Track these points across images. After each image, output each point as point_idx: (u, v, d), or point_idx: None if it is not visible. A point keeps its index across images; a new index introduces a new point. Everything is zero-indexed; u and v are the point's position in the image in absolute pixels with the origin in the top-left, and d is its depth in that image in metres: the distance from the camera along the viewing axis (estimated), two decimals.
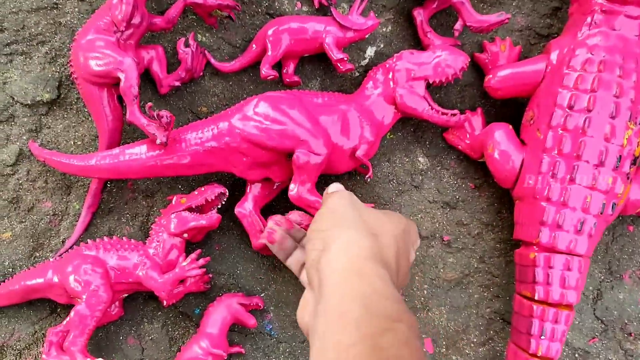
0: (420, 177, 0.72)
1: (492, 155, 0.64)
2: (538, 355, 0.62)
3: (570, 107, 0.60)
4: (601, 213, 0.60)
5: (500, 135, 0.65)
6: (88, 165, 0.62)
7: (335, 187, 0.55)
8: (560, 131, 0.60)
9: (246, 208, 0.67)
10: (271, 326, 0.71)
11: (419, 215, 0.72)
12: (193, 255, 0.64)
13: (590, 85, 0.59)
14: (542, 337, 0.61)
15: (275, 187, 0.68)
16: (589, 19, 0.61)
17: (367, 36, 0.70)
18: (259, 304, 0.69)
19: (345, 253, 0.40)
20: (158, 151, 0.63)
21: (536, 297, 0.61)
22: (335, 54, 0.66)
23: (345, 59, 0.67)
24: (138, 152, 0.63)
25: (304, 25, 0.67)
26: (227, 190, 0.66)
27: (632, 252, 0.70)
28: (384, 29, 0.72)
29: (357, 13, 0.69)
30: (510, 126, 0.66)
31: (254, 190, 0.67)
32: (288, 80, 0.69)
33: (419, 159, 0.72)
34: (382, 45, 0.72)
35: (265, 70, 0.67)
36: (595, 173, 0.59)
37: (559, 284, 0.61)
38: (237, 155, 0.62)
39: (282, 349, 0.71)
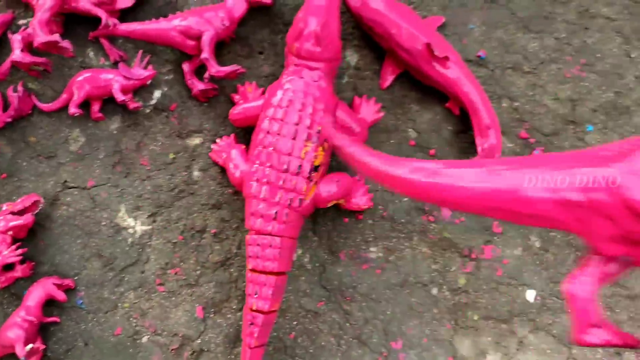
0: (195, 186, 0.99)
1: (228, 168, 0.92)
2: (253, 309, 0.88)
3: (268, 131, 0.87)
4: (289, 205, 0.87)
5: (235, 153, 0.92)
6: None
7: None
8: (261, 148, 0.87)
9: (582, 288, 0.49)
10: (82, 301, 0.97)
11: (194, 215, 0.99)
12: (12, 247, 0.91)
13: (281, 116, 0.87)
14: (255, 296, 0.88)
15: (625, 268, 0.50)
16: (287, 70, 0.90)
17: (148, 82, 0.98)
18: (70, 285, 0.96)
19: None
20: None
21: (249, 267, 0.88)
22: (119, 97, 0.94)
23: (128, 100, 0.95)
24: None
25: (98, 75, 0.96)
26: (41, 199, 0.93)
27: (347, 237, 0.97)
28: (167, 77, 1.00)
29: (140, 66, 0.97)
30: (244, 146, 0.94)
31: (595, 265, 0.49)
32: (93, 117, 0.98)
33: (194, 172, 0.99)
34: (165, 89, 1.00)
35: (73, 110, 0.95)
36: (282, 177, 0.86)
37: (262, 257, 0.87)
38: (604, 221, 0.45)
39: (90, 318, 0.97)
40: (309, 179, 0.85)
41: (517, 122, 0.96)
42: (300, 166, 0.84)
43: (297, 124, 0.84)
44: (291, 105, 0.84)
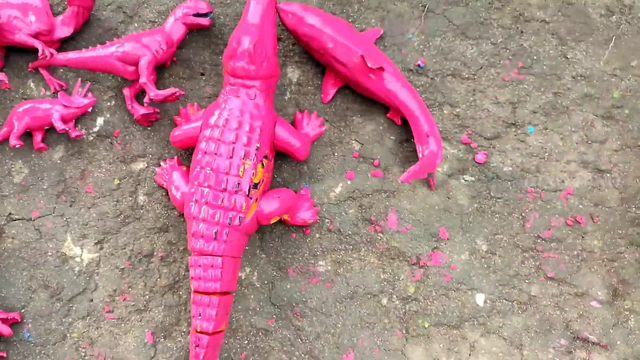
0: (141, 211, 0.99)
1: (170, 190, 0.92)
2: (198, 330, 0.87)
3: (205, 152, 0.87)
4: (229, 224, 0.87)
5: (176, 175, 0.92)
6: None
7: None
8: (199, 168, 0.87)
9: None
10: (29, 334, 0.96)
11: (141, 239, 0.98)
12: None
13: (217, 135, 0.87)
14: (199, 317, 0.87)
15: None
16: (224, 90, 0.90)
17: (91, 110, 0.98)
18: (16, 318, 0.94)
19: None
20: None
21: (192, 289, 0.88)
22: (59, 126, 0.94)
23: (68, 129, 0.94)
24: None
25: (38, 106, 0.95)
26: None
27: (294, 253, 0.97)
28: (109, 103, 1.00)
29: (80, 94, 0.97)
30: (186, 168, 0.93)
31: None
32: (36, 147, 0.97)
33: (140, 197, 0.99)
34: (108, 115, 1.00)
35: (14, 142, 0.94)
36: (221, 196, 0.86)
37: (204, 278, 0.87)
38: None
39: (37, 351, 0.96)
40: (249, 196, 0.84)
41: (459, 128, 0.97)
42: (238, 184, 0.84)
43: (234, 143, 0.84)
44: (227, 124, 0.85)
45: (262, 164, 0.86)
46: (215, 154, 0.85)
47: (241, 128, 0.85)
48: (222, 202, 0.84)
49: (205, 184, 0.84)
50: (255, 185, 0.86)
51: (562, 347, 0.90)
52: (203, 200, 0.84)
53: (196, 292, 0.85)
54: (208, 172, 0.85)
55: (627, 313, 0.92)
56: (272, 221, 0.88)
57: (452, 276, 0.94)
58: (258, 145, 0.85)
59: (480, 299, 0.93)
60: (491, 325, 0.93)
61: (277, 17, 0.93)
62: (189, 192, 0.85)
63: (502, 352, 0.92)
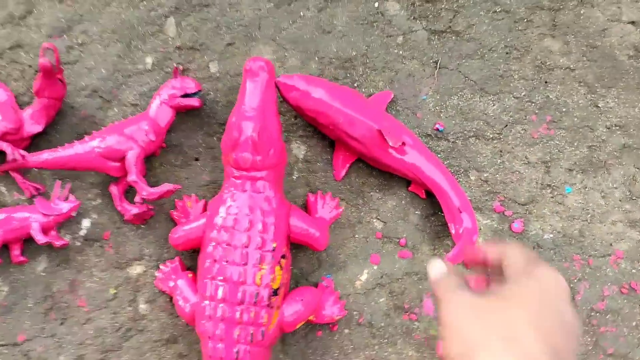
0: (143, 321, 0.85)
1: (176, 302, 0.79)
2: None
3: (214, 259, 0.75)
4: (251, 341, 0.74)
5: (182, 284, 0.80)
6: None
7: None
8: (210, 278, 0.75)
9: None
10: None
11: (147, 354, 0.85)
12: None
13: (226, 238, 0.74)
14: None
15: None
16: (227, 182, 0.78)
17: (74, 213, 0.84)
18: None
19: None
20: None
21: None
22: (40, 239, 0.81)
23: (51, 240, 0.81)
24: None
25: (13, 216, 0.82)
26: None
27: (323, 354, 0.85)
28: (94, 202, 0.87)
29: (60, 198, 0.84)
30: (192, 273, 0.81)
31: None
32: (15, 261, 0.84)
33: (140, 305, 0.86)
34: (95, 216, 0.87)
35: None
36: (238, 309, 0.73)
37: None
38: None
39: None
40: (269, 305, 0.73)
41: (490, 195, 0.86)
42: (257, 294, 0.72)
43: (246, 246, 0.72)
44: (237, 225, 0.73)
45: (281, 266, 0.74)
46: (227, 260, 0.73)
47: (253, 228, 0.73)
48: (240, 316, 0.71)
49: (219, 297, 0.72)
50: (276, 292, 0.74)
51: None
52: (218, 316, 0.72)
53: None
54: (220, 282, 0.72)
55: None
56: (298, 327, 0.76)
57: None
58: (274, 245, 0.73)
59: None
60: None
61: (278, 92, 0.81)
62: (200, 307, 0.72)
63: None
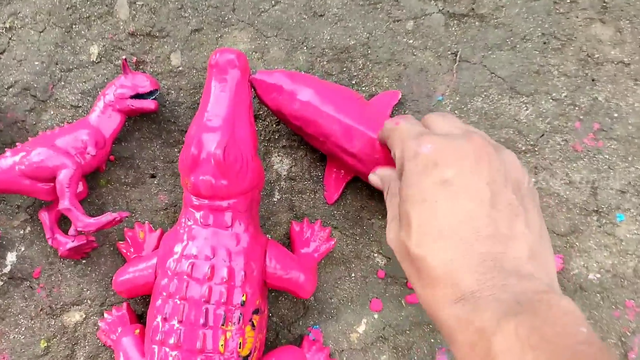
0: None
1: None
2: None
3: (165, 317, 0.55)
4: None
5: (127, 343, 0.61)
6: None
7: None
8: (158, 344, 0.55)
9: None
10: None
11: None
12: None
13: (181, 291, 0.55)
14: None
15: None
16: (184, 215, 0.58)
17: None
18: None
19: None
20: None
21: None
22: None
23: None
24: None
25: None
26: None
27: None
28: (22, 231, 0.68)
29: None
30: (140, 328, 0.61)
31: None
32: None
33: None
34: (22, 249, 0.67)
35: None
36: None
37: None
38: None
39: None
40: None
41: None
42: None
43: (207, 302, 0.52)
44: (195, 272, 0.53)
45: (253, 324, 0.55)
46: (180, 320, 0.52)
47: (215, 275, 0.54)
48: None
49: None
50: (245, 359, 0.53)
51: None
52: None
53: None
54: (170, 350, 0.52)
55: None
56: None
57: None
58: (243, 299, 0.54)
59: None
60: None
61: (253, 93, 0.61)
62: None
63: None
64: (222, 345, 0.55)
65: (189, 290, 0.56)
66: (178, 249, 0.58)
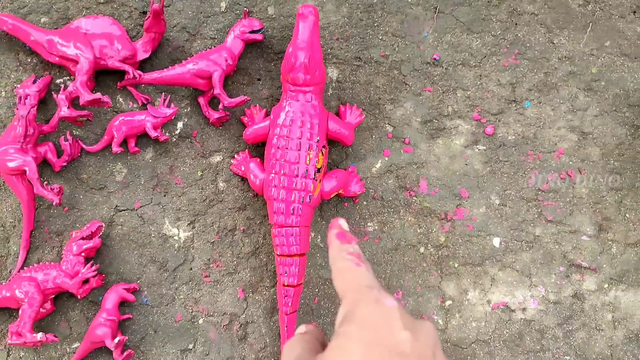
0: (222, 195, 1.25)
1: (250, 178, 1.19)
2: (285, 284, 1.16)
3: (278, 147, 1.14)
4: (302, 201, 1.14)
5: (253, 166, 1.19)
6: None
7: None
8: (274, 160, 1.14)
9: None
10: (146, 299, 1.24)
11: (225, 217, 1.25)
12: (88, 265, 1.16)
13: (286, 133, 1.13)
14: (285, 274, 1.16)
15: None
16: (285, 95, 1.16)
17: (173, 117, 1.23)
18: (136, 287, 1.22)
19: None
20: None
21: (277, 253, 1.16)
22: (152, 134, 1.19)
23: (159, 135, 1.20)
24: None
25: (133, 118, 1.20)
26: (102, 224, 1.19)
27: (348, 218, 1.24)
28: (186, 110, 1.25)
29: (164, 106, 1.22)
30: (259, 159, 1.20)
31: None
32: (131, 151, 1.23)
33: (220, 184, 1.26)
34: (186, 120, 1.25)
35: (115, 148, 1.20)
36: (294, 181, 1.13)
37: (287, 244, 1.15)
38: None
39: (154, 312, 1.24)
40: (315, 179, 1.11)
41: (470, 107, 1.23)
42: (306, 170, 1.10)
43: (299, 138, 1.09)
44: (293, 124, 1.10)
45: (322, 153, 1.12)
46: (287, 148, 1.11)
47: (304, 126, 1.11)
48: (295, 185, 1.10)
49: (282, 172, 1.11)
50: (319, 170, 1.12)
51: (561, 273, 1.20)
52: (281, 185, 1.11)
53: (281, 255, 1.13)
54: (282, 162, 1.11)
55: (610, 243, 1.22)
56: (332, 196, 1.15)
57: (473, 226, 1.22)
58: (318, 138, 1.11)
59: (496, 241, 1.22)
60: (506, 261, 1.22)
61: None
62: (268, 179, 1.12)
63: (515, 281, 1.22)
64: (308, 160, 1.14)
65: (290, 133, 1.14)
66: (283, 113, 1.15)
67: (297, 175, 1.07)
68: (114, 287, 1.15)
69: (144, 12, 1.18)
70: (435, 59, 1.16)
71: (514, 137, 1.16)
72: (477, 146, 1.16)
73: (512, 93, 1.18)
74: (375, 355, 0.32)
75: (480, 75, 1.18)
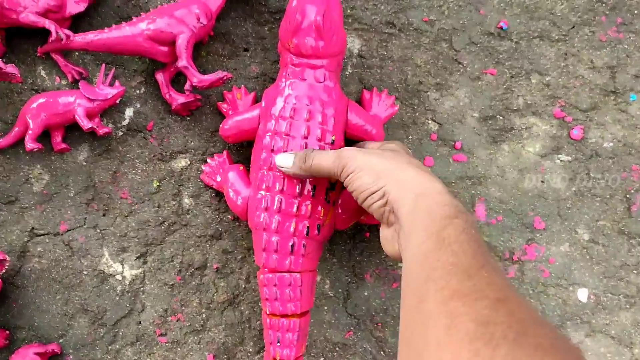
0: (188, 216, 0.83)
1: (227, 195, 0.76)
2: (276, 359, 0.74)
3: (272, 149, 0.71)
4: (307, 234, 0.72)
5: (233, 177, 0.77)
6: None
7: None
8: (266, 170, 0.72)
9: None
10: None
11: (191, 249, 0.83)
12: None
13: (284, 129, 0.71)
14: (278, 344, 0.74)
15: None
16: (285, 71, 0.73)
17: (118, 101, 0.80)
18: (56, 350, 0.80)
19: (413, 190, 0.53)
20: None
21: (267, 312, 0.74)
22: (85, 124, 0.77)
23: (97, 127, 0.77)
24: None
25: (56, 100, 0.78)
26: (6, 256, 0.77)
27: (370, 255, 0.83)
28: (138, 91, 0.83)
29: (105, 83, 0.79)
30: (242, 166, 0.77)
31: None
32: (56, 149, 0.80)
33: (185, 200, 0.83)
34: (138, 105, 0.83)
35: (30, 144, 0.77)
36: (295, 202, 0.71)
37: (281, 298, 0.73)
38: None
39: None
40: (326, 199, 0.69)
41: (551, 100, 0.82)
42: (314, 187, 0.68)
43: (305, 138, 0.68)
44: (296, 115, 0.68)
45: None
46: (285, 150, 0.69)
47: (313, 119, 0.69)
48: (297, 209, 0.68)
49: (276, 189, 0.69)
50: (333, 187, 0.71)
51: None
52: (275, 208, 0.69)
53: (272, 315, 0.71)
54: (277, 174, 0.69)
55: None
56: (351, 224, 0.74)
57: (550, 271, 0.82)
58: (333, 138, 0.70)
59: (583, 294, 0.81)
60: (597, 323, 0.81)
61: None
62: (255, 198, 0.70)
63: (610, 352, 0.81)
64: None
65: (292, 130, 0.72)
66: (280, 99, 0.74)
67: (299, 194, 0.65)
68: (21, 351, 0.76)
69: None
70: (502, 28, 0.76)
71: (612, 143, 0.76)
72: (559, 156, 0.75)
73: (612, 81, 0.77)
74: (374, 155, 0.62)
75: (566, 54, 0.77)
